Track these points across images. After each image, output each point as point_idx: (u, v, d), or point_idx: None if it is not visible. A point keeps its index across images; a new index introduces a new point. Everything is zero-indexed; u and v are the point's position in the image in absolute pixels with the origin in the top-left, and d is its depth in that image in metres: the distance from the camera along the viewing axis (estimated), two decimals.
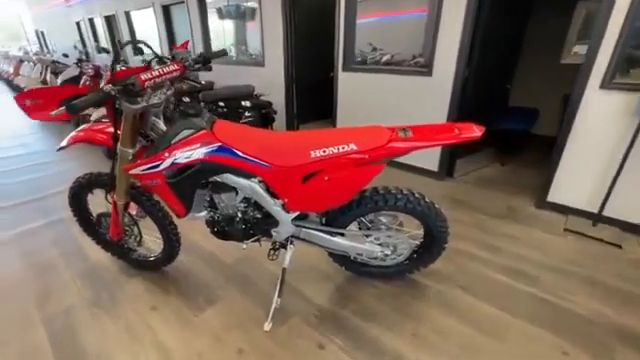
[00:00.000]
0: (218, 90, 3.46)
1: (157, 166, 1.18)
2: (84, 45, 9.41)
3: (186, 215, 1.37)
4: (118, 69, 1.09)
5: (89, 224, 1.77)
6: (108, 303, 1.61)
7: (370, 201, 1.41)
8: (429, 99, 2.89)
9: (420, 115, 2.97)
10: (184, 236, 1.74)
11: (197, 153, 1.19)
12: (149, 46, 1.21)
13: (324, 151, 1.19)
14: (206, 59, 1.37)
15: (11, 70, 8.31)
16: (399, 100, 3.10)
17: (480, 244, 2.08)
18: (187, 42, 1.51)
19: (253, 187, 1.31)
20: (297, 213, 1.40)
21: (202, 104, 3.29)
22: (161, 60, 1.24)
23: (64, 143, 1.40)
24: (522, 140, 3.75)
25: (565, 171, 2.34)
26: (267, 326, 1.45)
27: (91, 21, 8.69)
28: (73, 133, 1.39)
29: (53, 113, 0.85)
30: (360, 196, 1.43)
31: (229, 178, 1.29)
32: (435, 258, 1.63)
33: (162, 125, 1.25)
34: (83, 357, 1.34)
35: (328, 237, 1.46)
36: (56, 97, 0.87)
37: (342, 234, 1.47)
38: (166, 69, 1.16)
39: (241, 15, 4.69)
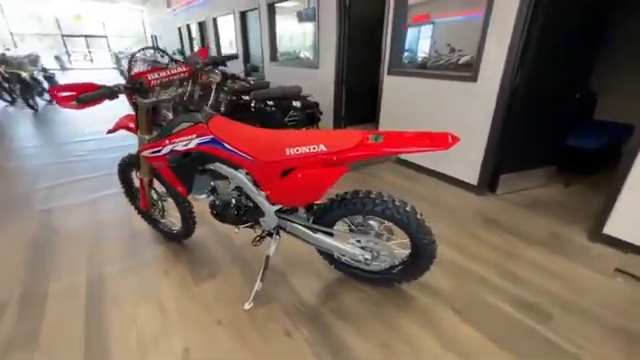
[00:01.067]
0: (268, 90, 3.74)
1: (159, 151, 1.41)
2: (183, 47, 10.95)
3: (187, 195, 1.59)
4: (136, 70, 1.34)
5: (132, 196, 2.16)
6: (134, 263, 1.94)
7: (349, 203, 1.43)
8: (473, 107, 2.68)
9: (463, 123, 2.77)
10: (205, 216, 1.87)
11: (192, 143, 1.38)
12: (165, 52, 1.45)
13: (297, 150, 1.26)
14: (215, 62, 1.57)
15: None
16: (443, 106, 2.94)
17: (500, 270, 1.88)
18: (205, 49, 1.73)
19: (240, 177, 1.45)
20: (280, 206, 1.50)
21: (253, 103, 3.61)
22: (176, 62, 1.47)
23: (111, 127, 1.74)
24: (604, 160, 3.18)
25: (629, 198, 1.96)
26: (247, 305, 1.58)
27: (188, 27, 10.06)
28: (117, 120, 1.73)
29: (72, 103, 1.12)
30: (342, 197, 1.46)
31: (221, 167, 1.46)
32: (422, 272, 1.56)
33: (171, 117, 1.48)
34: (103, 301, 1.65)
35: (310, 233, 1.53)
36: (79, 90, 1.12)
37: (325, 232, 1.52)
38: (173, 71, 1.37)
39: (311, 19, 4.94)
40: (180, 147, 1.39)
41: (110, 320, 1.54)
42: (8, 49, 8.87)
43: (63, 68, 17.10)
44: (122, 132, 1.73)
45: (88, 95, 1.12)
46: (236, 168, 1.44)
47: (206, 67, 1.55)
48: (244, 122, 1.49)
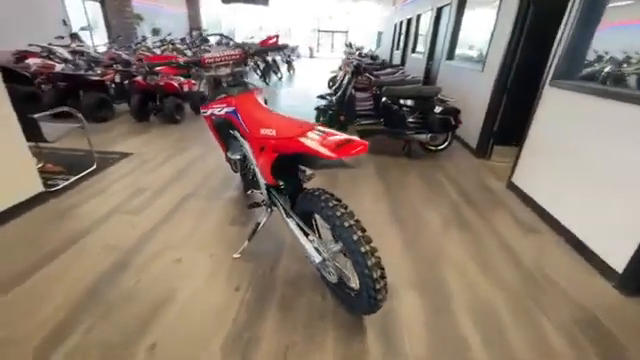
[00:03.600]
0: (402, 88, 3.62)
1: (206, 112, 1.87)
2: (397, 43, 11.61)
3: (226, 152, 2.01)
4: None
5: None
6: (220, 214, 2.58)
7: (307, 198, 1.41)
8: None
9: None
10: None
11: (223, 110, 1.75)
12: (230, 38, 1.85)
13: (263, 130, 1.39)
14: (261, 50, 1.86)
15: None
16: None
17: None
18: (272, 37, 2.00)
19: (245, 146, 1.71)
20: (269, 182, 1.65)
21: (383, 99, 3.63)
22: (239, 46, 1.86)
23: None
24: None
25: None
26: (235, 255, 1.89)
27: (400, 24, 10.53)
28: None
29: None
30: (309, 190, 1.45)
31: (237, 135, 1.77)
32: (360, 310, 1.34)
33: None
34: (177, 210, 2.40)
35: (284, 216, 1.62)
36: (164, 59, 1.71)
37: (296, 221, 1.55)
38: (225, 54, 1.76)
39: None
40: (216, 112, 1.80)
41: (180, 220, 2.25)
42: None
43: (311, 56, 21.97)
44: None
45: (156, 63, 1.70)
46: (244, 137, 1.72)
47: (255, 53, 1.87)
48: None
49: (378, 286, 1.22)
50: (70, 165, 2.89)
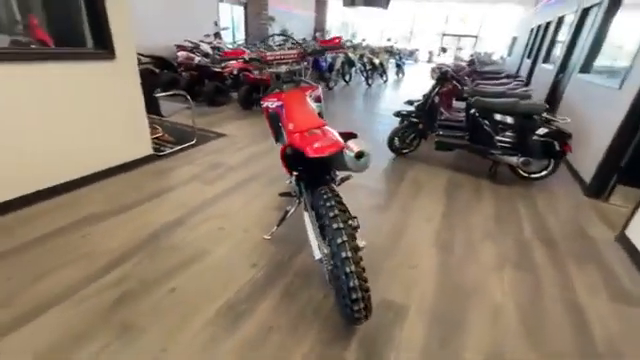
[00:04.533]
0: (494, 100, 3.16)
1: (263, 104, 2.07)
2: (530, 47, 10.06)
3: (277, 142, 2.19)
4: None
5: None
6: (268, 199, 2.86)
7: (314, 195, 1.45)
8: None
9: None
10: None
11: (274, 104, 1.92)
12: (291, 37, 2.00)
13: (289, 125, 1.49)
14: (318, 50, 1.93)
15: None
16: None
17: None
18: (335, 38, 2.03)
19: (284, 137, 1.84)
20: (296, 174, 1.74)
21: (472, 111, 3.27)
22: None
23: None
24: None
25: None
26: (266, 236, 2.07)
27: (538, 27, 9.01)
28: None
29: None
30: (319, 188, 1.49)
31: (282, 127, 1.91)
32: (345, 317, 1.31)
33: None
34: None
35: (303, 209, 1.70)
36: (237, 54, 1.97)
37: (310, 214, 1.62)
38: (284, 53, 1.91)
39: None
40: (270, 105, 1.98)
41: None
42: (396, 42, 12.46)
43: (429, 60, 20.92)
44: None
45: (230, 57, 1.98)
46: (285, 131, 1.85)
47: (314, 53, 1.96)
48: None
49: (354, 296, 1.18)
50: (179, 137, 3.60)
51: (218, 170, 3.01)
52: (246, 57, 1.96)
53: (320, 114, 2.19)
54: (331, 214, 1.26)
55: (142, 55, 4.96)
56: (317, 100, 2.17)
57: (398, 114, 3.56)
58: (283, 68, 1.99)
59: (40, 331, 1.37)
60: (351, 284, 1.18)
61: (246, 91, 5.08)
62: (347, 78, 8.75)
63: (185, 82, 5.22)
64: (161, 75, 5.33)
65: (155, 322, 1.45)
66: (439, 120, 3.49)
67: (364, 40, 12.17)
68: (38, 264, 1.72)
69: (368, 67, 8.96)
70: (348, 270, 1.17)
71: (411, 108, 3.54)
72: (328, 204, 1.30)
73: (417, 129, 3.51)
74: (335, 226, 1.23)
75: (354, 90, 8.35)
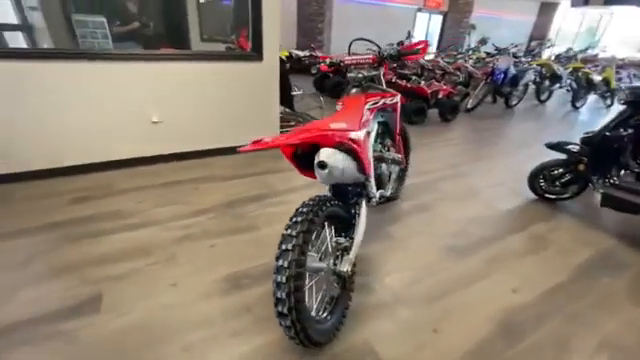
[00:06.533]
0: None
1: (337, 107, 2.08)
2: None
3: None
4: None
5: None
6: None
7: None
8: None
9: None
10: None
11: (337, 106, 1.93)
12: (373, 42, 1.87)
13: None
14: (395, 55, 1.75)
15: None
16: None
17: None
18: (419, 42, 1.72)
19: None
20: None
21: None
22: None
23: None
24: None
25: None
26: None
27: None
28: None
29: None
30: None
31: None
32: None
33: None
34: None
35: None
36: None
37: None
38: (360, 57, 1.85)
39: None
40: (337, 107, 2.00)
41: None
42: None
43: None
44: None
45: (320, 61, 2.08)
46: None
47: (387, 58, 1.78)
48: None
49: (280, 309, 1.12)
50: None
51: None
52: (327, 61, 2.05)
53: (387, 124, 2.04)
54: (291, 220, 1.21)
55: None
56: (392, 109, 2.00)
57: (554, 146, 2.63)
58: (360, 73, 1.95)
59: (130, 238, 2.04)
60: (277, 294, 1.12)
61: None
62: (544, 96, 6.99)
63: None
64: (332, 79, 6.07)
65: (187, 263, 1.86)
66: (619, 161, 2.34)
67: (604, 50, 9.26)
68: (161, 197, 2.51)
69: (582, 84, 6.81)
70: (278, 279, 1.12)
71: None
72: (300, 209, 1.26)
73: (576, 170, 2.50)
74: (285, 231, 1.18)
75: (546, 112, 6.63)
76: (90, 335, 1.40)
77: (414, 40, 8.75)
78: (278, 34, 3.15)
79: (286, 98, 3.50)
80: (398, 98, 2.01)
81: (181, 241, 2.03)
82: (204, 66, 3.01)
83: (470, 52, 8.52)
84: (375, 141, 1.95)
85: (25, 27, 3.88)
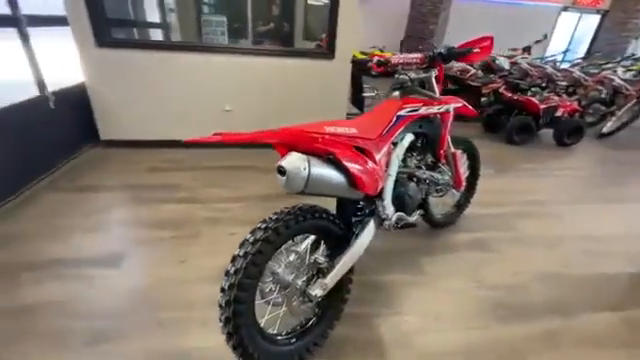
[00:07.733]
0: None
1: None
2: None
3: None
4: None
5: None
6: None
7: None
8: None
9: None
10: None
11: None
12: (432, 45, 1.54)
13: None
14: (447, 54, 1.47)
15: None
16: None
17: None
18: (483, 38, 1.32)
19: None
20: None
21: None
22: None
23: None
24: None
25: None
26: None
27: None
28: None
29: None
30: None
31: None
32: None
33: None
34: None
35: None
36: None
37: None
38: (408, 56, 1.58)
39: None
40: None
41: None
42: None
43: None
44: None
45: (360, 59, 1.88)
46: None
47: (438, 56, 1.47)
48: None
49: (220, 315, 1.04)
50: None
51: None
52: (375, 60, 1.83)
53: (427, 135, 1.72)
54: (257, 225, 1.12)
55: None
56: (439, 119, 1.67)
57: None
58: (409, 75, 1.68)
59: (172, 210, 2.26)
60: (220, 301, 1.04)
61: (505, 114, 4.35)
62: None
63: None
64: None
65: (205, 244, 1.96)
66: None
67: None
68: (213, 178, 2.72)
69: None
70: (223, 283, 1.04)
71: None
72: (272, 215, 1.15)
73: None
74: (247, 237, 1.09)
75: None
76: (103, 285, 1.61)
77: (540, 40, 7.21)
78: (354, 35, 3.08)
79: (357, 98, 3.36)
80: (451, 107, 1.66)
81: (209, 222, 2.15)
82: (280, 61, 3.14)
83: (630, 62, 6.57)
84: (409, 155, 1.67)
85: (164, 25, 4.82)
